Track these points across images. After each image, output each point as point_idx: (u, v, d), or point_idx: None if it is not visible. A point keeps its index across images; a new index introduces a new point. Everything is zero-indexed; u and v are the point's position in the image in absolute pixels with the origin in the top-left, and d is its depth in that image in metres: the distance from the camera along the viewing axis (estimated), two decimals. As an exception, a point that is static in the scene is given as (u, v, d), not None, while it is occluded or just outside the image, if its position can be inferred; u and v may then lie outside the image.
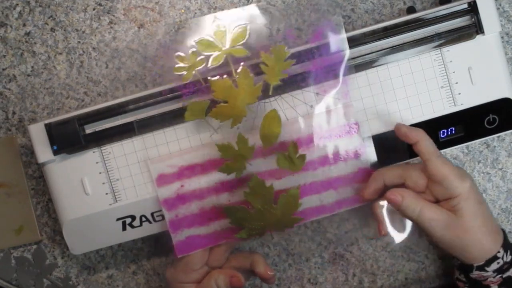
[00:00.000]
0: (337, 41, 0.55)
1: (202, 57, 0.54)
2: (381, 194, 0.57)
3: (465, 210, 0.54)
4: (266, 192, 0.55)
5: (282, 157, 0.55)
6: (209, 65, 0.54)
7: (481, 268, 0.55)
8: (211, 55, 0.54)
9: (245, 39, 0.54)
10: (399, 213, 0.55)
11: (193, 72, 0.54)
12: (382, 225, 0.57)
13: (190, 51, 0.55)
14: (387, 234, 0.57)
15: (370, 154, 0.57)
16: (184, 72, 0.55)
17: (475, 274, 0.55)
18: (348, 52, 0.55)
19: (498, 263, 0.55)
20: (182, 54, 0.55)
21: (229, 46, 0.54)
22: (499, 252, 0.55)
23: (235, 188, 0.56)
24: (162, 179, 0.56)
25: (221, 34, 0.55)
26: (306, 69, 0.56)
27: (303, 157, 0.55)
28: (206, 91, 0.55)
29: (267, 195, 0.55)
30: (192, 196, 0.57)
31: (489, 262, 0.55)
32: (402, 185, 0.56)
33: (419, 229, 0.57)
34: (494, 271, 0.55)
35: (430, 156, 0.54)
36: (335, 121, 0.57)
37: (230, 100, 0.54)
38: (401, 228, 0.58)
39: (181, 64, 0.55)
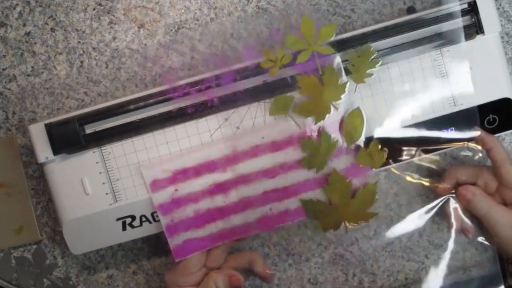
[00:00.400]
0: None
1: (288, 53, 0.55)
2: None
3: None
4: (344, 187, 0.56)
5: (364, 154, 0.56)
6: (295, 61, 0.55)
7: None
8: (298, 51, 0.55)
9: (332, 37, 0.55)
10: (468, 209, 0.58)
11: (280, 68, 0.55)
12: (450, 219, 0.59)
13: (277, 47, 0.55)
14: (458, 229, 0.59)
15: None
16: (272, 67, 0.55)
17: None
18: (336, 56, 0.56)
19: None
20: (268, 50, 0.55)
21: (316, 44, 0.55)
22: None
23: (229, 190, 0.57)
24: (156, 184, 0.57)
25: (310, 31, 0.55)
26: (298, 71, 0.56)
27: (383, 154, 0.57)
28: (194, 94, 0.56)
29: (345, 190, 0.56)
30: (186, 199, 0.57)
31: None
32: (473, 184, 0.59)
33: (484, 227, 0.59)
34: None
35: (503, 162, 0.57)
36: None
37: (316, 97, 0.55)
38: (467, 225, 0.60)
39: (269, 60, 0.55)
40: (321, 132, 0.56)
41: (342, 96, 0.56)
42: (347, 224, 0.58)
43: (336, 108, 0.56)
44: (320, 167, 0.56)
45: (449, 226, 0.59)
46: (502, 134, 0.62)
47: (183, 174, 0.57)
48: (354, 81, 0.56)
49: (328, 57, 0.55)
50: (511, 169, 0.57)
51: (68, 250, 0.60)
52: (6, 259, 0.64)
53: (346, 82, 0.56)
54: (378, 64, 0.56)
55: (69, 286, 0.65)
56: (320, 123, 0.56)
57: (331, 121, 0.56)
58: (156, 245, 0.64)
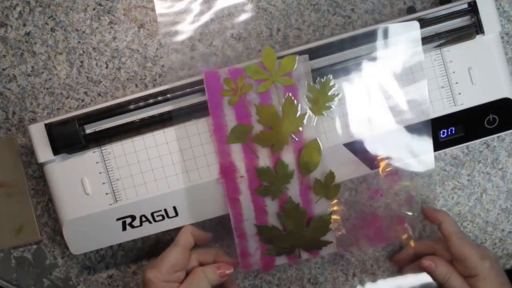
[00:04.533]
0: None
1: (249, 82, 0.56)
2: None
3: None
4: (298, 216, 0.57)
5: (319, 185, 0.57)
6: (255, 90, 0.56)
7: None
8: (258, 81, 0.56)
9: (294, 68, 0.56)
10: (431, 277, 0.59)
11: (239, 96, 0.56)
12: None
13: (238, 76, 0.56)
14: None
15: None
16: (231, 96, 0.56)
17: None
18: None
19: None
20: (229, 77, 0.56)
21: (277, 74, 0.56)
22: None
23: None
24: None
25: (271, 61, 0.56)
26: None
27: (338, 186, 0.57)
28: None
29: (299, 218, 0.57)
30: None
31: None
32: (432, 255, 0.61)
33: None
34: None
35: (451, 236, 0.58)
36: None
37: (274, 127, 0.56)
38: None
39: (227, 87, 0.56)
40: (278, 161, 0.56)
41: (300, 128, 0.56)
42: (300, 252, 0.59)
43: (295, 139, 0.56)
44: (276, 195, 0.57)
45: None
46: (502, 134, 0.62)
47: None
48: (313, 113, 0.56)
49: (290, 88, 0.56)
50: (459, 243, 0.57)
51: (68, 250, 0.60)
52: (6, 259, 0.64)
53: (305, 114, 0.56)
54: (338, 97, 0.56)
55: (69, 286, 0.65)
56: (277, 153, 0.56)
57: (288, 151, 0.57)
58: (156, 245, 0.64)
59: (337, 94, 0.56)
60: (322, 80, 0.56)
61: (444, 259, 0.59)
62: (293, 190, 0.57)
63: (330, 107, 0.56)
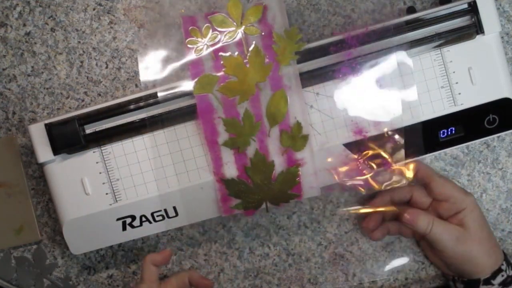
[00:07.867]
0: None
1: (215, 32, 0.55)
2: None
3: (472, 221, 0.58)
4: (266, 168, 0.56)
5: (286, 136, 0.56)
6: (222, 41, 0.55)
7: (488, 281, 0.57)
8: (224, 31, 0.55)
9: (259, 17, 0.55)
10: (413, 231, 0.60)
11: (205, 46, 0.55)
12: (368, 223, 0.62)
13: (204, 26, 0.55)
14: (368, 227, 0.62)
15: None
16: (198, 46, 0.55)
17: None
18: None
19: (502, 275, 0.57)
20: (195, 28, 0.55)
21: (243, 24, 0.55)
22: (502, 264, 0.58)
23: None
24: None
25: (236, 11, 0.55)
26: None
27: (305, 137, 0.56)
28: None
29: (267, 171, 0.56)
30: None
31: (495, 274, 0.57)
32: (408, 202, 0.61)
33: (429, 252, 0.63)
34: (499, 284, 0.57)
35: (432, 178, 0.59)
36: None
37: (240, 77, 0.55)
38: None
39: (195, 38, 0.55)
40: (244, 112, 0.55)
41: (267, 77, 0.55)
42: (268, 205, 0.58)
43: (262, 89, 0.55)
44: (243, 148, 0.56)
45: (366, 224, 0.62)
46: (502, 134, 0.62)
47: None
48: (279, 62, 0.55)
49: (255, 37, 0.55)
50: (441, 182, 0.59)
51: (68, 250, 0.60)
52: (6, 259, 0.64)
53: (271, 64, 0.55)
54: (304, 47, 0.55)
55: (69, 286, 0.65)
56: (244, 103, 0.55)
57: (255, 102, 0.56)
58: (156, 245, 0.64)
59: (304, 43, 0.55)
60: (289, 29, 0.56)
61: (422, 204, 0.59)
62: (260, 142, 0.56)
63: (296, 56, 0.55)
